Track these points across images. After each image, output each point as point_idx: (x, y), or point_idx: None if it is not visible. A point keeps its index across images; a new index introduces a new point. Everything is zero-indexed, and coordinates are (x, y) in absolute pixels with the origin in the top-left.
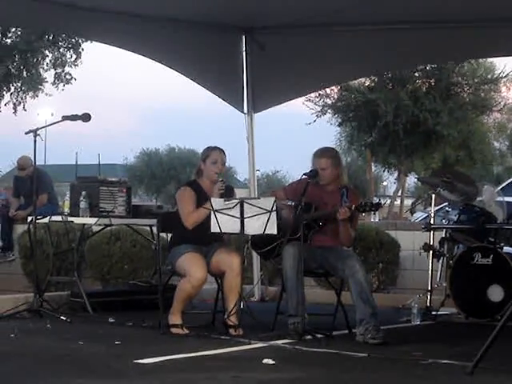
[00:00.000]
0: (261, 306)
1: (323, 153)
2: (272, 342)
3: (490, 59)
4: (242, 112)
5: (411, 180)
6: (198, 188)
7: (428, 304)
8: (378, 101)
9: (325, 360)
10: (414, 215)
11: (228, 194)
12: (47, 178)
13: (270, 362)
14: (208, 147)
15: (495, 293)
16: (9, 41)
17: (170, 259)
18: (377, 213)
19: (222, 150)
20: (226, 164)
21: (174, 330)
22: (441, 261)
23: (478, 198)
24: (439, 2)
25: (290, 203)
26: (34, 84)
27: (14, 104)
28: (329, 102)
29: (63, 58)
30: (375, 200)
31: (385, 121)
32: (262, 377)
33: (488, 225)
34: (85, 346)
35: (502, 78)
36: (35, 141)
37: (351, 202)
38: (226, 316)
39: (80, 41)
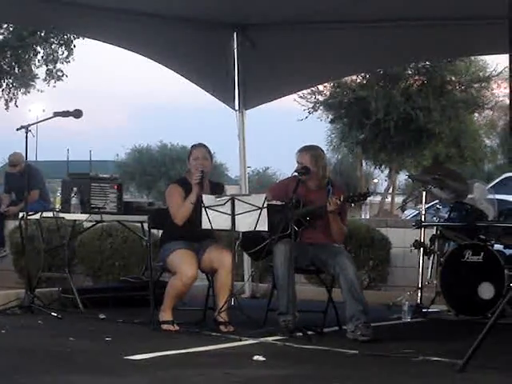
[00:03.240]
0: (251, 303)
1: (306, 149)
2: (263, 339)
3: (481, 57)
4: (233, 109)
5: (402, 177)
6: (186, 184)
7: (418, 301)
8: (369, 98)
9: (315, 357)
10: (405, 212)
11: (218, 190)
12: (39, 174)
13: (261, 358)
14: (192, 145)
15: (486, 290)
16: (0, 37)
17: (161, 256)
18: (367, 210)
19: (204, 146)
20: (218, 161)
21: (164, 327)
22: (431, 258)
23: (469, 196)
24: None
25: (278, 203)
26: (25, 80)
27: (6, 100)
28: (321, 98)
29: (55, 55)
30: (363, 190)
31: (376, 118)
32: (252, 373)
33: (479, 222)
34: (75, 342)
35: (493, 76)
36: (27, 137)
37: (337, 195)
38: (216, 313)
39: (72, 37)
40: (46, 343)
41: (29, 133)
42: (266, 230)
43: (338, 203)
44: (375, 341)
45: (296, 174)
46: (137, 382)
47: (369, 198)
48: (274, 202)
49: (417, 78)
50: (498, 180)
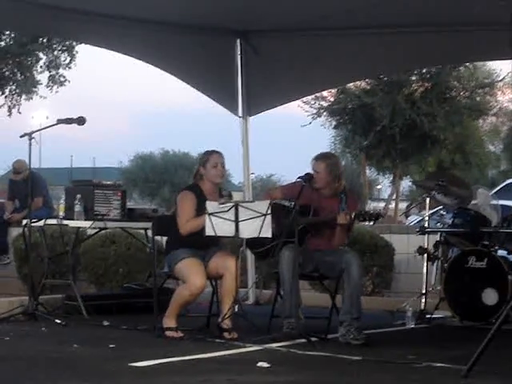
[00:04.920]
0: (255, 310)
1: (320, 157)
2: (267, 345)
3: (485, 63)
4: (237, 115)
5: (406, 183)
6: (200, 192)
7: (422, 307)
8: (374, 104)
9: (319, 363)
10: (409, 218)
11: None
12: (42, 181)
13: (265, 365)
14: (206, 151)
15: (489, 296)
16: (2, 43)
17: (167, 263)
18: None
19: (220, 153)
20: None
21: (168, 333)
22: (435, 264)
23: (473, 202)
24: (435, 5)
25: (287, 203)
26: (28, 87)
27: (9, 107)
28: (325, 104)
29: (57, 61)
30: (375, 209)
31: (381, 124)
32: (256, 380)
33: (482, 228)
34: (79, 349)
35: (497, 82)
36: (30, 144)
37: (349, 208)
38: (220, 319)
39: (74, 43)
40: (50, 350)
41: (32, 140)
42: (270, 236)
43: (348, 219)
44: (367, 345)
45: (300, 179)
46: None
47: (372, 205)
48: (282, 202)
49: (421, 84)
50: (501, 186)
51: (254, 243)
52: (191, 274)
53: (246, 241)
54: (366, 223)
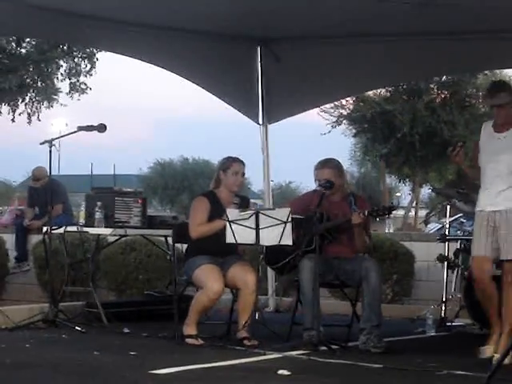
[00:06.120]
0: (275, 317)
1: (325, 164)
2: (287, 353)
3: (505, 71)
4: (257, 123)
5: (425, 191)
6: (215, 199)
7: (443, 315)
8: (395, 112)
9: (340, 371)
10: (429, 226)
11: (244, 204)
12: (62, 188)
13: (285, 372)
14: (228, 157)
15: None
16: (23, 51)
17: (186, 270)
18: (391, 224)
19: (242, 162)
20: None
21: (189, 341)
22: (455, 272)
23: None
24: (453, 13)
25: (299, 216)
26: (48, 94)
27: (29, 114)
28: (344, 112)
29: (78, 68)
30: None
31: (401, 132)
32: None
33: None
34: (100, 356)
35: None
36: (50, 151)
37: (360, 208)
38: (238, 330)
39: (95, 50)
40: (71, 357)
41: (52, 147)
42: (291, 244)
43: (363, 217)
44: (388, 353)
45: (320, 187)
46: None
47: (393, 212)
48: (294, 216)
49: (440, 91)
50: None
51: (272, 258)
52: (208, 279)
53: (264, 256)
54: (387, 231)
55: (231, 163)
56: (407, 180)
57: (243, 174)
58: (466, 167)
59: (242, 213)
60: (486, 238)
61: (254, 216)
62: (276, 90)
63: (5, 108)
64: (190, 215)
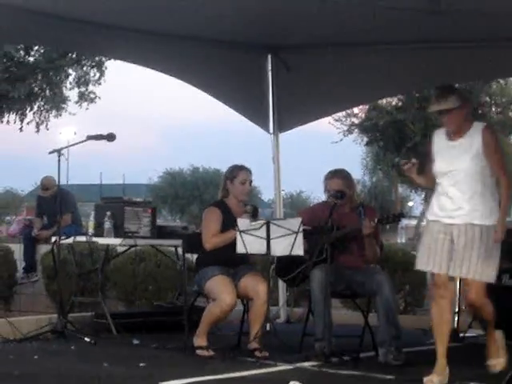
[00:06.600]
0: (287, 328)
1: (335, 174)
2: (298, 364)
3: None
4: (268, 132)
5: None
6: (226, 209)
7: (455, 326)
8: (406, 121)
9: (351, 382)
10: None
11: (253, 213)
12: (71, 197)
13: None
14: (235, 166)
15: None
16: (31, 59)
17: (197, 281)
18: (403, 234)
19: (249, 170)
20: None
21: (199, 352)
22: None
23: (508, 219)
24: (465, 21)
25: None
26: (57, 103)
27: (37, 123)
28: (356, 121)
29: (87, 77)
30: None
31: (413, 141)
32: None
33: None
34: (109, 367)
35: None
36: (59, 160)
37: (369, 217)
38: (250, 341)
39: (103, 59)
40: (80, 369)
41: (61, 156)
42: (302, 254)
43: (373, 225)
44: (407, 365)
45: (331, 198)
46: None
47: (405, 222)
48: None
49: None
50: None
51: (282, 270)
52: (221, 291)
53: (275, 267)
54: (399, 241)
55: (238, 172)
56: (419, 189)
57: (251, 182)
58: (417, 179)
59: (253, 223)
60: (442, 253)
61: (264, 226)
62: (287, 98)
63: (13, 117)
64: (202, 226)
